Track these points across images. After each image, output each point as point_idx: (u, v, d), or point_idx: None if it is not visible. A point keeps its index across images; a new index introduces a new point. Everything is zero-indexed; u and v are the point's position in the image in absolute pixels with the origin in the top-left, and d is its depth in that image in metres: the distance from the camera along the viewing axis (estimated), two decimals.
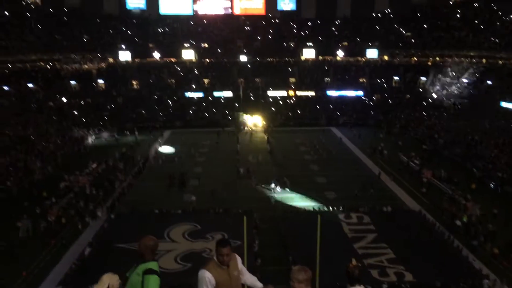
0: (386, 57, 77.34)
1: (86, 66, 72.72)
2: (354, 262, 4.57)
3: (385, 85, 73.26)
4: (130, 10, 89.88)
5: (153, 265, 4.47)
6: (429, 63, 73.60)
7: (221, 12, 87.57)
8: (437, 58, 72.96)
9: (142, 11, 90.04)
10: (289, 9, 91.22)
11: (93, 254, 26.25)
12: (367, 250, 26.65)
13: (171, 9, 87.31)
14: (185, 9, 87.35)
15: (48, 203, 33.05)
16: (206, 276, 4.45)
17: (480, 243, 27.26)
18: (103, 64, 74.53)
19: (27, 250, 26.61)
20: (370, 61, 76.76)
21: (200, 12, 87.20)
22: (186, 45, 78.72)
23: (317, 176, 41.28)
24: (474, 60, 67.12)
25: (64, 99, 65.21)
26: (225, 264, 4.54)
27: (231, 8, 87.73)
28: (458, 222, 29.67)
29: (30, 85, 64.43)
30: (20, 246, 26.90)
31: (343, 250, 26.23)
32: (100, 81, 72.02)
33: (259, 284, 4.90)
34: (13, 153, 43.23)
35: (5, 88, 59.27)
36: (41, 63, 70.02)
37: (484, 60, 66.65)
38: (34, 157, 43.72)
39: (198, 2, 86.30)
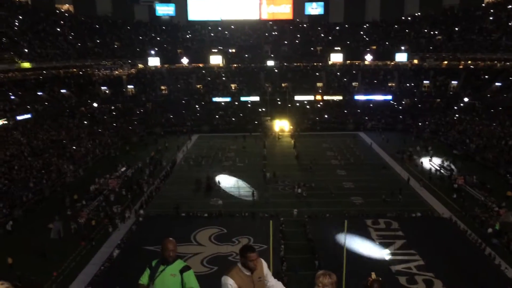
0: (416, 61, 76.03)
1: (116, 72, 74.34)
2: (373, 276, 4.50)
3: (415, 90, 71.94)
4: (159, 17, 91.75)
5: (182, 262, 4.62)
6: (461, 67, 71.92)
7: (249, 17, 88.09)
8: (469, 62, 71.22)
9: (171, 17, 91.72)
10: (317, 13, 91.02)
11: (122, 256, 26.72)
12: (395, 257, 26.16)
13: (200, 15, 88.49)
14: (213, 15, 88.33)
15: (79, 206, 33.92)
16: (229, 283, 4.34)
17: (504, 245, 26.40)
18: (133, 70, 76.05)
19: (58, 251, 27.28)
20: (399, 65, 75.56)
21: (228, 18, 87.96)
22: (214, 50, 79.49)
23: (344, 182, 40.86)
24: (507, 63, 65.19)
25: (95, 104, 66.83)
26: (253, 269, 4.46)
27: (259, 13, 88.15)
28: (490, 230, 28.76)
29: (63, 90, 66.32)
30: (51, 247, 27.61)
31: (371, 255, 25.83)
32: (130, 86, 73.51)
33: None
34: (46, 156, 44.55)
35: (40, 93, 61.15)
36: (74, 69, 72.01)
37: None
38: (66, 161, 44.95)
39: (225, 8, 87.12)
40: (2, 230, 30.02)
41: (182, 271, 4.51)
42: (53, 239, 29.06)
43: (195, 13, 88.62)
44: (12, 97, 56.21)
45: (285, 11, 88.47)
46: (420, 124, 62.21)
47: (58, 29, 75.01)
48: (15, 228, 30.33)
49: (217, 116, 67.75)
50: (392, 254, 26.57)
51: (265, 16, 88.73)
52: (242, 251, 4.47)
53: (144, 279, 4.56)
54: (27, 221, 31.55)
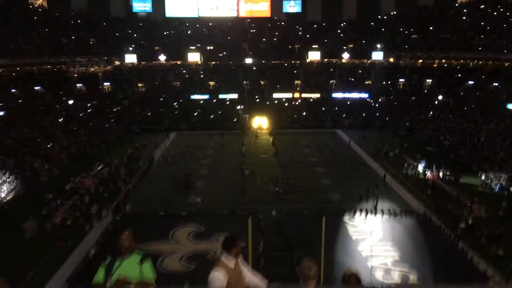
0: (391, 59, 77.30)
1: (92, 69, 73.21)
2: (350, 270, 4.60)
3: (391, 88, 73.11)
4: (136, 13, 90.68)
5: (140, 254, 4.72)
6: (435, 65, 73.40)
7: (227, 14, 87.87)
8: (443, 61, 72.77)
9: (148, 14, 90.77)
10: (295, 11, 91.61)
11: (98, 255, 26.36)
12: (372, 252, 26.56)
13: (177, 12, 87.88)
14: (190, 12, 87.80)
15: (54, 205, 33.29)
16: (219, 277, 4.46)
17: (484, 244, 27.12)
18: (109, 67, 75.00)
19: (33, 251, 26.74)
20: (376, 63, 76.66)
21: (205, 15, 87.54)
22: (192, 47, 79.08)
23: (322, 178, 41.25)
24: (480, 62, 66.88)
25: (70, 102, 65.65)
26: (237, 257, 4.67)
27: (237, 10, 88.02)
28: (463, 225, 29.47)
29: (37, 88, 64.90)
30: (26, 247, 27.04)
31: (348, 251, 26.19)
32: (106, 83, 72.45)
33: (263, 284, 4.93)
34: (20, 154, 43.54)
35: (13, 90, 59.72)
36: (48, 66, 70.55)
37: (490, 62, 66.38)
38: (41, 159, 44.02)
39: (203, 5, 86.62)
40: None
41: (140, 262, 4.62)
42: (28, 239, 28.48)
43: (172, 10, 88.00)
44: None
45: (263, 8, 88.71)
46: (396, 121, 63.27)
47: (32, 25, 73.26)
48: None
49: (195, 114, 67.44)
50: (368, 249, 26.97)
51: (243, 14, 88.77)
52: (230, 242, 4.68)
53: (98, 277, 4.58)
54: (0, 221, 30.77)
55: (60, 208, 32.93)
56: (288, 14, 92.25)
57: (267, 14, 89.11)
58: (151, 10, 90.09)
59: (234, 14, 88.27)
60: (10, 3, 76.00)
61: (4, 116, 52.09)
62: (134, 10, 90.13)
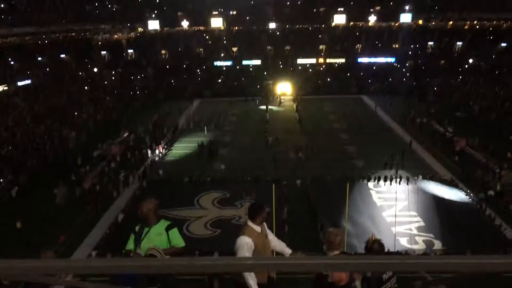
0: (420, 21, 74.52)
1: (116, 36, 73.29)
2: (374, 236, 4.57)
3: (419, 51, 70.83)
4: None
5: (166, 221, 4.82)
6: (466, 27, 70.52)
7: None
8: (475, 22, 69.79)
9: None
10: None
11: (126, 220, 27.09)
12: (396, 218, 26.45)
13: None
14: None
15: (83, 171, 34.17)
16: (247, 241, 4.56)
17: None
18: (132, 34, 74.93)
19: (64, 216, 27.67)
20: (404, 26, 74.09)
21: None
22: (215, 13, 77.93)
23: (346, 145, 40.89)
24: None
25: (95, 69, 66.24)
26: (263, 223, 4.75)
27: None
28: (491, 192, 28.91)
29: (62, 56, 65.59)
30: (57, 212, 27.98)
31: (372, 218, 26.17)
32: (130, 51, 72.58)
33: (288, 250, 4.98)
34: (48, 122, 44.52)
35: (39, 59, 60.55)
36: (73, 34, 70.96)
37: None
38: (68, 126, 44.93)
39: None
40: (7, 196, 30.37)
41: (167, 229, 4.70)
42: (59, 204, 29.44)
43: None
44: (12, 62, 55.69)
45: None
46: (423, 87, 61.57)
47: None
48: (20, 194, 30.64)
49: (219, 81, 67.16)
50: (393, 216, 26.86)
51: None
52: (256, 209, 4.75)
53: (129, 245, 4.67)
54: (32, 187, 31.84)
55: (89, 174, 33.79)
56: None
57: None
58: None
59: None
60: None
61: (31, 85, 53.07)
62: None
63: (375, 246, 4.42)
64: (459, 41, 68.62)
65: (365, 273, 4.00)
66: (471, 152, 37.31)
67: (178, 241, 4.75)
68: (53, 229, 25.69)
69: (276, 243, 5.01)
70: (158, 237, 4.65)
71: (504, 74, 55.87)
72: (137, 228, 4.79)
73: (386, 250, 4.87)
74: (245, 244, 4.51)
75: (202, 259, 1.51)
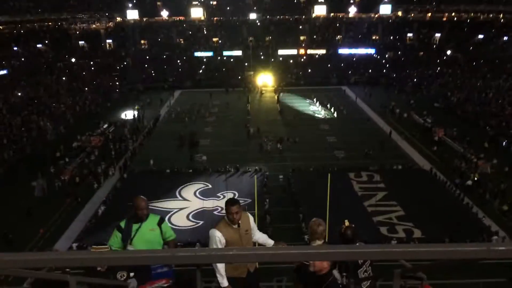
0: (400, 13, 75.13)
1: (94, 26, 71.93)
2: (346, 223, 4.63)
3: (398, 43, 71.48)
4: None
5: (155, 216, 4.84)
6: (444, 19, 71.39)
7: None
8: (453, 14, 70.70)
9: None
10: None
11: (107, 212, 26.83)
12: (377, 208, 26.84)
13: None
14: None
15: (62, 163, 33.63)
16: (216, 235, 4.56)
17: (489, 200, 27.33)
18: (111, 24, 73.64)
19: (43, 208, 27.22)
20: (383, 17, 74.62)
21: None
22: (195, 2, 77.10)
23: (327, 136, 41.15)
24: (491, 15, 64.97)
25: (73, 60, 64.95)
26: (235, 222, 4.57)
27: None
28: (469, 182, 29.50)
29: (39, 45, 64.10)
30: (36, 205, 27.50)
31: (353, 207, 26.45)
32: (109, 40, 71.36)
33: (271, 241, 4.99)
34: (25, 113, 43.59)
35: (15, 48, 59.07)
36: (49, 23, 69.36)
37: (501, 15, 64.51)
38: (46, 118, 44.07)
39: None
40: None
41: (159, 223, 4.74)
42: (38, 197, 28.94)
43: None
44: None
45: None
46: (403, 78, 62.25)
47: None
48: None
49: (200, 71, 66.67)
50: (373, 205, 27.24)
51: None
52: (225, 204, 4.63)
53: (115, 243, 4.60)
54: (10, 180, 31.20)
55: (68, 166, 33.27)
56: None
57: None
58: None
59: None
60: None
61: (7, 75, 51.76)
62: None
63: (348, 232, 4.49)
64: (438, 33, 69.47)
65: None
66: (449, 142, 37.99)
67: (170, 233, 4.87)
68: (32, 222, 25.29)
69: (259, 234, 5.01)
70: (151, 232, 4.65)
71: (481, 66, 56.86)
72: (122, 224, 4.71)
73: (364, 238, 4.93)
74: (213, 237, 4.55)
75: (184, 250, 1.50)
